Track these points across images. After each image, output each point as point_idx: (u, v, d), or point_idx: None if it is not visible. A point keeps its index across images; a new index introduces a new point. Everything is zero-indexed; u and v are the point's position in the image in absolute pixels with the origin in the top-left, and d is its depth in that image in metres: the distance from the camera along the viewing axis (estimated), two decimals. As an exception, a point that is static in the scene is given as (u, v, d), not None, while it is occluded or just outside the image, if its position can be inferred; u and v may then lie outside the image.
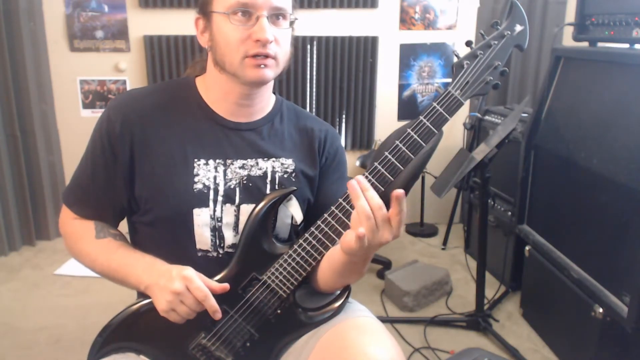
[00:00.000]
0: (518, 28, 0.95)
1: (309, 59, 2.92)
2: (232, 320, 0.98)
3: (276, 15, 0.95)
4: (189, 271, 0.92)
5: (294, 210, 1.06)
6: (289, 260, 0.97)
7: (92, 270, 1.04)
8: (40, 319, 2.16)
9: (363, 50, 2.94)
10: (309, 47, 2.89)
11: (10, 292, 2.40)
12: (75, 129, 2.89)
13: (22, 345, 1.99)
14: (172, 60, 2.82)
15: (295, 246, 0.97)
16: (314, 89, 2.98)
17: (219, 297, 0.97)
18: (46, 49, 2.75)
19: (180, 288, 0.89)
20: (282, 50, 0.98)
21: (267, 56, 0.94)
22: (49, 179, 2.87)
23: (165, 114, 1.02)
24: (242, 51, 0.94)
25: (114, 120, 1.00)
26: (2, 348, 1.98)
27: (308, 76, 2.95)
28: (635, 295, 1.45)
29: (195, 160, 1.01)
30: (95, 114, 2.88)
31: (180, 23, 2.80)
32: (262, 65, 0.95)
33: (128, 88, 2.88)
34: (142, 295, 1.00)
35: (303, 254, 0.96)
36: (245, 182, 1.03)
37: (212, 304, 0.91)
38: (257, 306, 0.98)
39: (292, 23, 0.99)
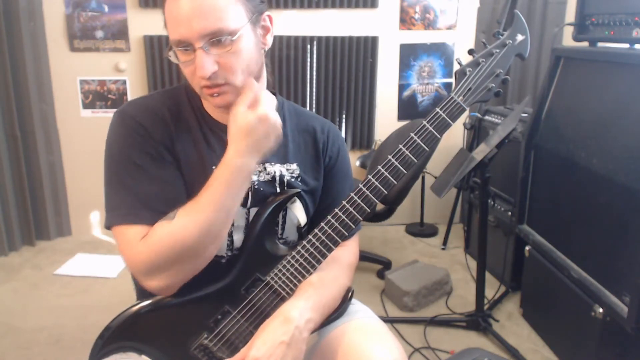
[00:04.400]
0: (519, 37, 0.96)
1: (309, 59, 2.92)
2: (234, 321, 0.98)
3: (215, 40, 0.89)
4: None
5: (297, 213, 1.07)
6: (292, 262, 0.98)
7: (194, 229, 0.90)
8: (40, 319, 2.16)
9: (363, 50, 2.94)
10: (309, 47, 2.89)
11: (10, 292, 2.40)
12: (75, 129, 2.89)
13: (22, 345, 1.99)
14: (172, 60, 2.82)
15: (299, 248, 0.97)
16: (314, 89, 2.98)
17: (221, 297, 0.97)
18: (46, 49, 2.75)
19: None
20: (234, 72, 0.92)
21: (217, 85, 0.93)
22: (49, 179, 2.87)
23: (179, 122, 1.01)
24: (196, 84, 0.95)
25: (145, 125, 0.97)
26: (2, 348, 1.98)
27: (308, 76, 2.95)
28: (635, 295, 1.45)
29: (212, 167, 1.00)
30: (96, 114, 2.88)
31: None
32: (216, 94, 0.94)
33: (128, 88, 2.88)
34: (142, 296, 1.00)
35: (306, 255, 0.97)
36: (256, 186, 1.03)
37: None
38: (260, 307, 0.98)
39: (239, 38, 0.90)
